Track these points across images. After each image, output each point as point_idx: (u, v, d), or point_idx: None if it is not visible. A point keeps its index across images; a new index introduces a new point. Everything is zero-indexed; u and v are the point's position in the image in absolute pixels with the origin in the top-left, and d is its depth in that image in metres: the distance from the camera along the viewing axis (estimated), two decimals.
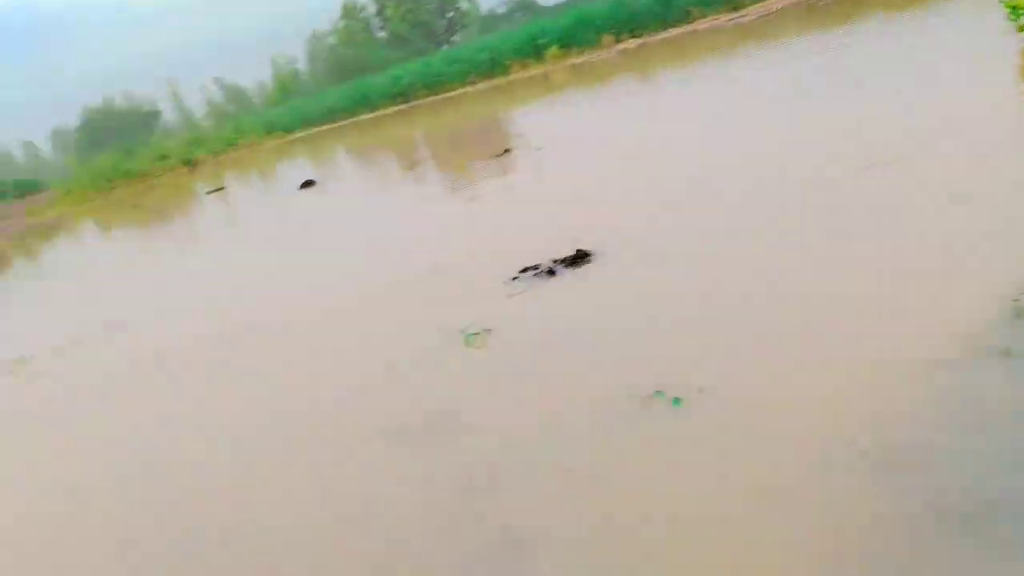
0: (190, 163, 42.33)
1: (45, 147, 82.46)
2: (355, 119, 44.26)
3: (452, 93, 36.89)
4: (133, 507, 3.73)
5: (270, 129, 49.48)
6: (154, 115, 67.52)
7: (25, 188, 51.08)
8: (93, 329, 7.44)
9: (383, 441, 3.57)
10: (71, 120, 69.32)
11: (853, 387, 2.95)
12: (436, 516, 2.90)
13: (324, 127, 45.45)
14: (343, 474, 3.42)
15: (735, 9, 24.89)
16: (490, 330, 4.51)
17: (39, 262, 18.96)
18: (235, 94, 72.18)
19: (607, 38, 30.20)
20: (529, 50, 34.60)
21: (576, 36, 32.69)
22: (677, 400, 3.19)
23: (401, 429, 3.61)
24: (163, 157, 43.11)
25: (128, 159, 43.64)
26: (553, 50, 32.24)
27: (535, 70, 31.62)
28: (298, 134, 45.74)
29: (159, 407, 4.99)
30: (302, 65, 66.17)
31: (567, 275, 5.09)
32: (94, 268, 14.02)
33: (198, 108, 71.01)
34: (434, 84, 41.71)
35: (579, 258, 5.21)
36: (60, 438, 5.04)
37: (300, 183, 15.45)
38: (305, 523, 3.11)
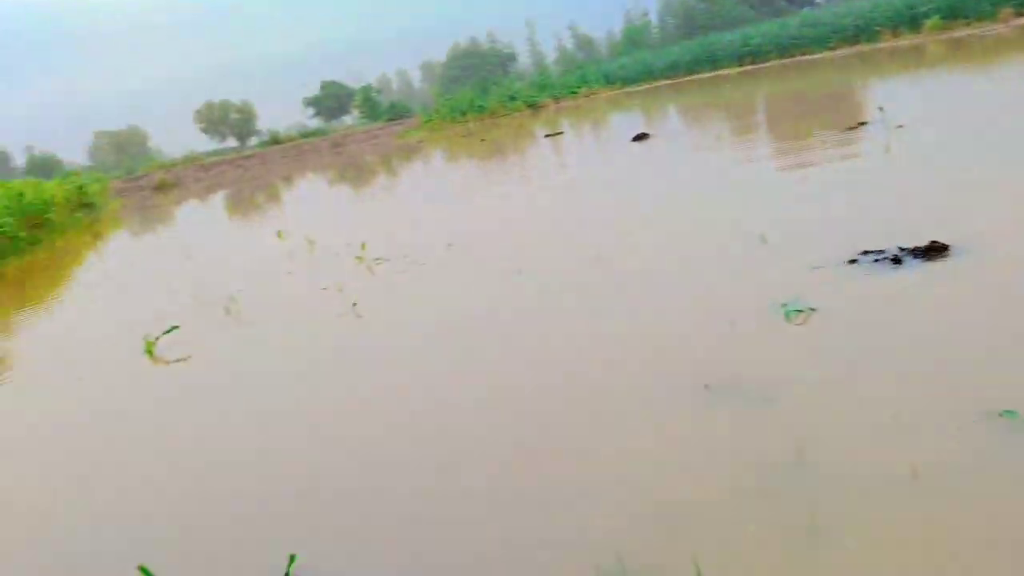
0: (533, 106, 44.84)
1: (416, 77, 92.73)
2: (696, 76, 43.55)
3: (806, 58, 34.60)
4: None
5: (610, 80, 50.56)
6: (511, 57, 72.52)
7: (396, 112, 58.08)
8: (436, 242, 8.31)
9: (686, 401, 3.57)
10: (441, 55, 76.96)
11: None
12: (734, 484, 2.85)
13: (663, 82, 45.39)
14: (633, 426, 3.50)
15: None
16: (815, 309, 4.26)
17: (398, 177, 21.58)
18: (584, 43, 74.70)
19: (1005, 11, 26.08)
20: (904, 18, 31.18)
21: (965, 6, 28.70)
22: None
23: (704, 391, 3.58)
24: (511, 98, 46.13)
25: (482, 96, 47.37)
26: (934, 20, 28.65)
27: (908, 40, 28.43)
28: (637, 87, 46.24)
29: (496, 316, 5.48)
30: (653, 17, 66.32)
31: (916, 266, 4.60)
32: (440, 188, 15.64)
33: (551, 54, 74.76)
34: (787, 47, 39.45)
35: (934, 249, 4.67)
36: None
37: (633, 135, 15.67)
38: (592, 467, 3.25)
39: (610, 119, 27.00)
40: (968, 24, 27.25)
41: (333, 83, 72.05)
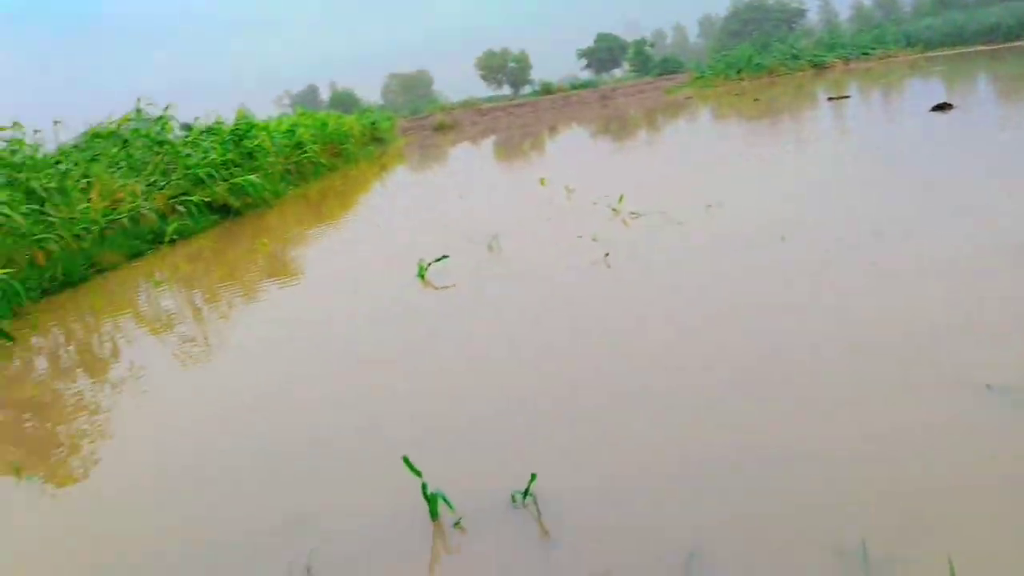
0: (818, 66, 41.76)
1: (693, 32, 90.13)
2: (1019, 43, 37.84)
3: None
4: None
5: (912, 42, 45.69)
6: (799, 13, 67.68)
7: (667, 67, 56.92)
8: (697, 202, 8.14)
9: (961, 399, 3.25)
10: (722, 10, 73.84)
11: None
12: (1011, 493, 2.59)
13: (977, 48, 40.02)
14: (897, 419, 3.25)
15: None
16: None
17: (662, 133, 21.31)
18: None
19: None
20: None
21: None
22: None
23: (985, 392, 3.23)
24: (794, 57, 43.30)
25: (761, 53, 44.91)
26: None
27: None
28: (942, 52, 41.26)
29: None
30: None
31: None
32: (705, 147, 15.20)
33: (844, 11, 68.76)
34: None
35: None
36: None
37: (933, 105, 14.10)
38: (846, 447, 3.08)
39: (907, 85, 24.42)
40: None
41: (607, 35, 72.02)
